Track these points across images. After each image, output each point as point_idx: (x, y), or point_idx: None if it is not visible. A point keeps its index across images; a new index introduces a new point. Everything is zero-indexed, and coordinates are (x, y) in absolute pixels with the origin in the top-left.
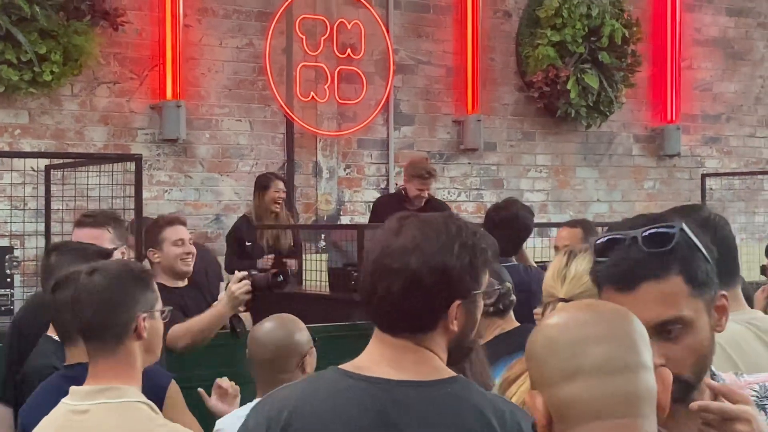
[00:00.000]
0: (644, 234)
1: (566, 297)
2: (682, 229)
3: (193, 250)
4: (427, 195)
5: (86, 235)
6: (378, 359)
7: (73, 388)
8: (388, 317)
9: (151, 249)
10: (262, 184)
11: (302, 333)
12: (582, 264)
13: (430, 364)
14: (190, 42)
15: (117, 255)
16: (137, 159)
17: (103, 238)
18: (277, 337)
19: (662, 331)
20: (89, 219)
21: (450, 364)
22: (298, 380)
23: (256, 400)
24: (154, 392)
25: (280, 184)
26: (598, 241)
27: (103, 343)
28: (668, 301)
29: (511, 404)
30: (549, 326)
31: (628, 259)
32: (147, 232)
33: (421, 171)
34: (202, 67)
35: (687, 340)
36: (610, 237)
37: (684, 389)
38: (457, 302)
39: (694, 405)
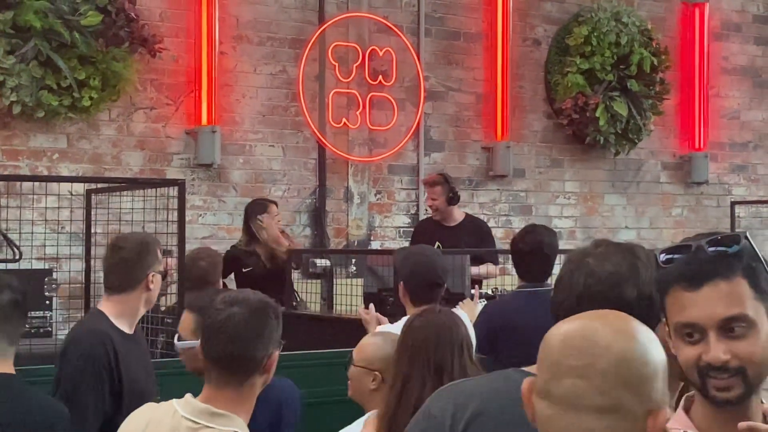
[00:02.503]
0: (711, 239)
1: None
2: (746, 237)
3: None
4: (434, 206)
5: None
6: None
7: (188, 397)
8: None
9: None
10: (256, 208)
11: None
12: None
13: None
14: (225, 69)
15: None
16: (180, 184)
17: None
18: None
19: (727, 328)
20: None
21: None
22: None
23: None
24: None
25: (274, 207)
26: (663, 250)
27: (232, 375)
28: (734, 300)
29: None
30: (552, 332)
31: (697, 260)
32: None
33: (424, 182)
34: (237, 94)
35: (750, 339)
36: (677, 245)
37: (743, 393)
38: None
39: (743, 425)
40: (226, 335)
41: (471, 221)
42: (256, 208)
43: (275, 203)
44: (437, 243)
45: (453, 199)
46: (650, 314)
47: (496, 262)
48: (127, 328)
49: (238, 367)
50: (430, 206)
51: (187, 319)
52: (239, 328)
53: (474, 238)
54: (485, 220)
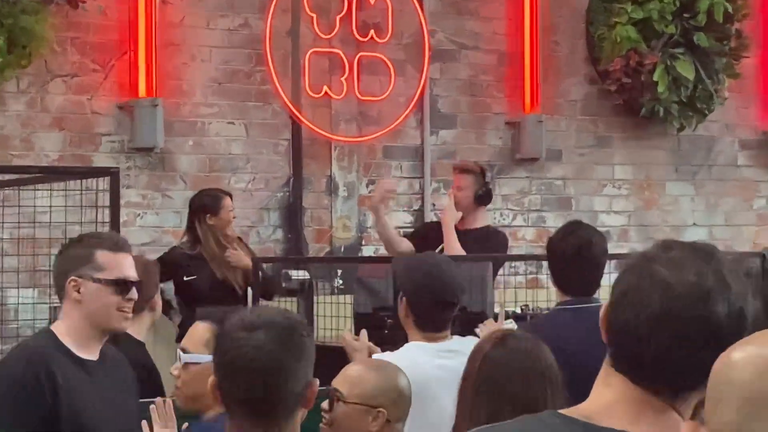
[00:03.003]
0: None
1: None
2: None
3: None
4: (457, 197)
5: (130, 264)
6: (612, 409)
7: None
8: (651, 367)
9: None
10: (205, 203)
11: None
12: None
13: (675, 429)
14: (169, 23)
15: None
16: (112, 174)
17: (134, 267)
18: None
19: None
20: (120, 241)
21: None
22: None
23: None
24: None
25: (229, 201)
26: None
27: (270, 419)
28: None
29: None
30: (733, 360)
31: None
32: None
33: (455, 168)
34: (185, 56)
35: None
36: None
37: None
38: None
39: None
40: (256, 371)
41: (489, 231)
42: (206, 204)
43: (229, 195)
44: (441, 246)
45: (483, 198)
46: (739, 334)
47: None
48: (82, 351)
49: (275, 407)
50: (455, 196)
51: (198, 330)
52: (271, 360)
53: (481, 249)
54: (511, 217)
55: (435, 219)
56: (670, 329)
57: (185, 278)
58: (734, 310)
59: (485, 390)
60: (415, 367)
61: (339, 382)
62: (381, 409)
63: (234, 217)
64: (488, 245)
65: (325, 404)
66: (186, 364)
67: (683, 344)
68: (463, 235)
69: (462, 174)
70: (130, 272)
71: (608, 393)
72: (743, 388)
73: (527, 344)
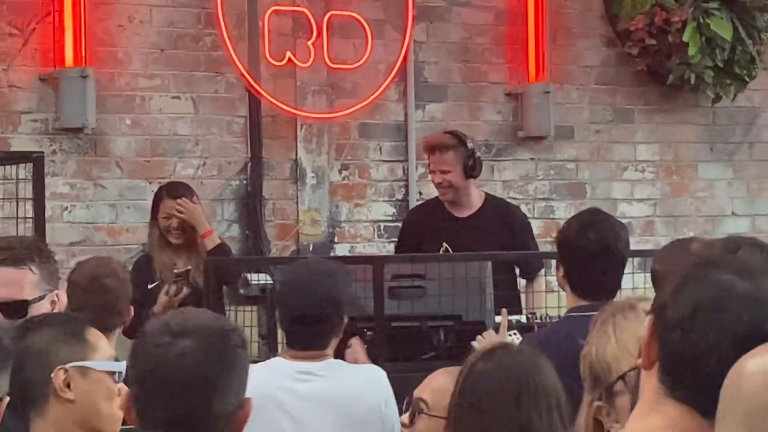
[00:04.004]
0: None
1: None
2: None
3: None
4: (446, 181)
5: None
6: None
7: None
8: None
9: None
10: (153, 201)
11: None
12: None
13: None
14: None
15: (44, 306)
16: (35, 160)
17: (24, 282)
18: None
19: None
20: (2, 253)
21: None
22: None
23: None
24: None
25: (169, 204)
26: None
27: None
28: None
29: None
30: (746, 368)
31: None
32: None
33: (426, 142)
34: (119, 17)
35: None
36: None
37: None
38: None
39: None
40: (179, 385)
41: (496, 206)
42: (153, 201)
43: (176, 195)
44: (444, 244)
45: (474, 169)
46: None
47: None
48: None
49: (199, 429)
50: (439, 184)
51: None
52: (198, 371)
53: (503, 232)
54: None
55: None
56: (745, 348)
57: (149, 286)
58: None
59: (468, 408)
60: (258, 382)
61: (424, 393)
62: None
63: (174, 228)
64: (515, 227)
65: (404, 417)
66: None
67: None
68: (467, 222)
69: (441, 154)
70: None
71: (659, 420)
72: (749, 401)
73: (521, 358)
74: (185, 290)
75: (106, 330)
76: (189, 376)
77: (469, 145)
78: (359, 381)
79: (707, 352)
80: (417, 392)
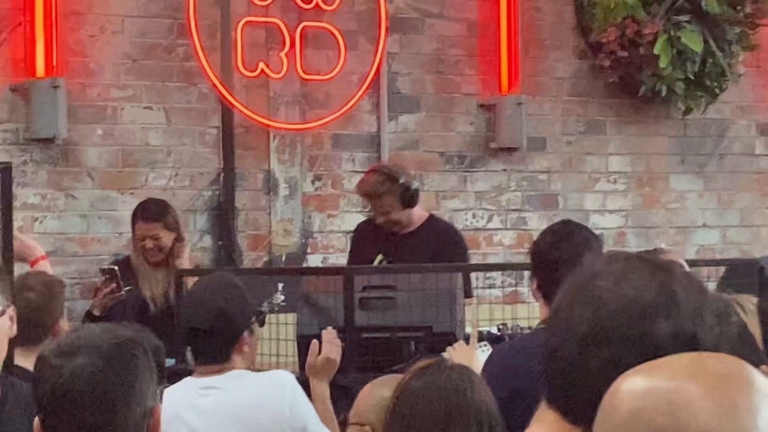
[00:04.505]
0: None
1: None
2: None
3: None
4: (389, 221)
5: None
6: None
7: None
8: (581, 400)
9: None
10: (132, 219)
11: None
12: None
13: None
14: None
15: (3, 321)
16: (5, 170)
17: None
18: None
19: None
20: None
21: None
22: None
23: None
24: None
25: (146, 227)
26: None
27: None
28: None
29: None
30: (617, 394)
31: None
32: None
33: (360, 189)
34: (92, 27)
35: None
36: None
37: None
38: None
39: None
40: (79, 403)
41: (435, 226)
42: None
43: (153, 218)
44: (380, 257)
45: (413, 199)
46: None
47: (469, 294)
48: None
49: None
50: (384, 223)
51: None
52: (95, 388)
53: (438, 250)
54: (486, 218)
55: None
56: (602, 353)
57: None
58: (683, 333)
59: (399, 426)
60: (167, 403)
61: (354, 408)
62: (368, 427)
63: (149, 248)
64: (443, 245)
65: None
66: None
67: (618, 371)
68: (405, 238)
69: (376, 199)
70: None
71: (536, 429)
72: (617, 427)
73: (452, 376)
74: (112, 285)
75: (29, 342)
76: (86, 394)
77: (401, 180)
78: (261, 388)
79: (555, 352)
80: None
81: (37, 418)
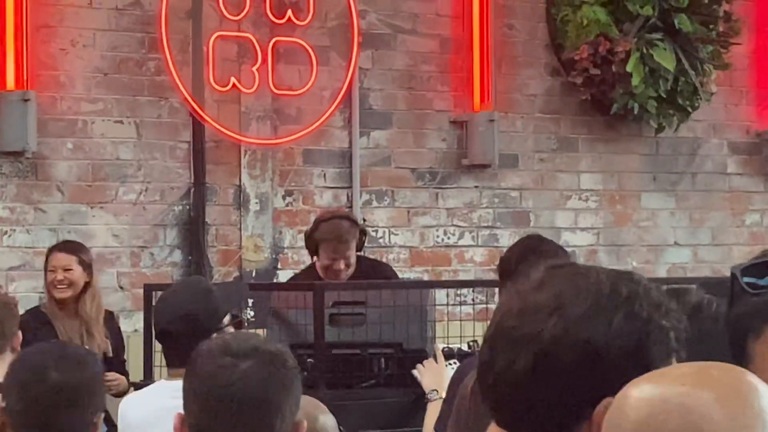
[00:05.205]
0: None
1: None
2: None
3: None
4: (343, 266)
5: None
6: None
7: None
8: (509, 408)
9: None
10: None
11: None
12: None
13: None
14: (43, 0)
15: None
16: None
17: None
18: None
19: None
20: None
21: None
22: None
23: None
24: None
25: (61, 257)
26: (747, 268)
27: None
28: None
29: None
30: (622, 403)
31: None
32: None
33: (328, 234)
34: (62, 40)
35: None
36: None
37: None
38: (608, 400)
39: None
40: (241, 405)
41: (369, 265)
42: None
43: (71, 248)
44: None
45: (363, 243)
46: (585, 370)
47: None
48: None
49: None
50: (340, 270)
51: None
52: (260, 393)
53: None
54: (457, 235)
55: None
56: (504, 354)
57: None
58: (572, 335)
59: None
60: (142, 407)
61: None
62: None
63: (59, 280)
64: (381, 273)
65: None
66: None
67: (514, 373)
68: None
69: (342, 243)
70: None
71: None
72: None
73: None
74: None
75: None
76: (253, 397)
77: (359, 225)
78: None
79: (480, 355)
80: None
81: (179, 413)
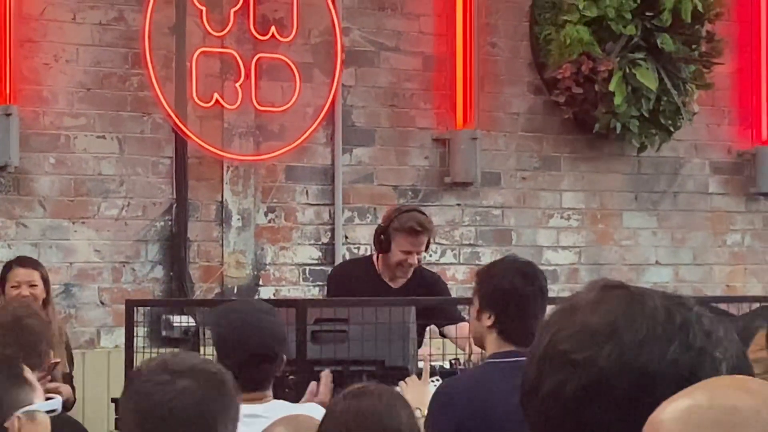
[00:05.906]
0: None
1: None
2: None
3: None
4: (416, 261)
5: None
6: None
7: None
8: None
9: None
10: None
11: None
12: None
13: None
14: (28, 15)
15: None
16: None
17: None
18: None
19: None
20: None
21: None
22: None
23: None
24: None
25: (25, 272)
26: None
27: None
28: None
29: None
30: (660, 417)
31: None
32: None
33: (409, 222)
34: (46, 55)
35: None
36: None
37: None
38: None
39: None
40: (178, 422)
41: (422, 276)
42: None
43: (30, 264)
44: None
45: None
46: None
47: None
48: None
49: None
50: (403, 263)
51: None
52: (197, 409)
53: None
54: (439, 252)
55: (348, 255)
56: (552, 376)
57: None
58: (628, 362)
59: None
60: None
61: None
62: None
63: (24, 296)
64: (433, 292)
65: None
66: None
67: (564, 396)
68: (398, 292)
69: (421, 235)
70: None
71: None
72: None
73: (374, 401)
74: None
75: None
76: (189, 415)
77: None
78: None
79: (524, 374)
80: None
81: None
